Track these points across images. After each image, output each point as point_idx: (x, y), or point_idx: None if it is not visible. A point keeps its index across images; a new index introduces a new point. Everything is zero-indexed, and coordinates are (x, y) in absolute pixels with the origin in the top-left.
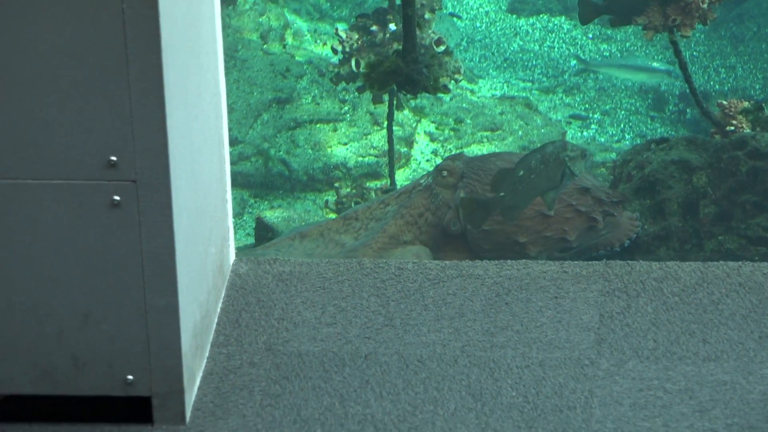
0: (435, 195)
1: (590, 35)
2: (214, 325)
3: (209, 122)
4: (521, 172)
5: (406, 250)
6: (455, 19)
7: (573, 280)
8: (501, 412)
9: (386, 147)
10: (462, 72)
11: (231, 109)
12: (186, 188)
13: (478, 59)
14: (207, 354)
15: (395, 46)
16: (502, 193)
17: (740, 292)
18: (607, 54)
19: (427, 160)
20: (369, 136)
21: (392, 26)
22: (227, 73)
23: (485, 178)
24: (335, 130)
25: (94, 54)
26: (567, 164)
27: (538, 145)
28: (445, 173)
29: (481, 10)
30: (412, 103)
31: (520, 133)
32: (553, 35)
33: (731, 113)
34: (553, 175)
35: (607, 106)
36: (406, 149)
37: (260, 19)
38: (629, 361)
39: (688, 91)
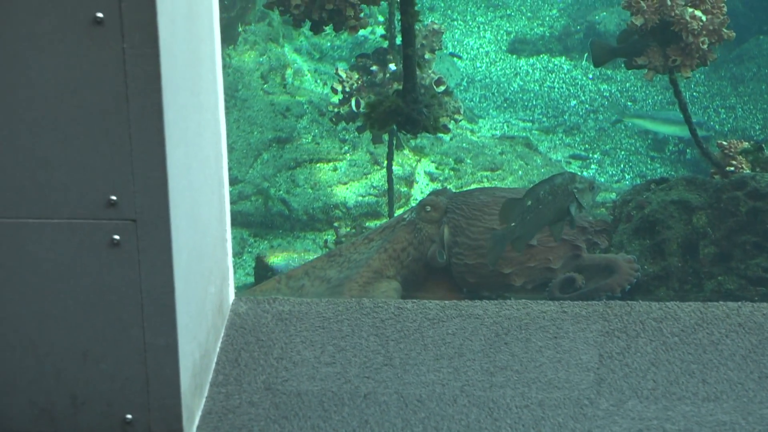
0: (418, 230)
1: (590, 76)
2: (213, 365)
3: (209, 161)
4: (529, 202)
5: (384, 284)
6: (455, 59)
7: (572, 320)
8: None
9: (386, 186)
10: (462, 112)
11: (231, 149)
12: (186, 227)
13: (478, 99)
14: (206, 393)
15: (395, 86)
16: (513, 224)
17: (740, 332)
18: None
19: None
20: (369, 176)
21: (392, 66)
22: (227, 113)
23: (469, 213)
24: (335, 169)
25: (95, 93)
26: (575, 196)
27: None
28: (428, 208)
29: (481, 50)
30: (413, 142)
31: (520, 173)
32: (553, 75)
33: (731, 153)
34: (561, 207)
35: (607, 146)
36: (406, 189)
37: (261, 59)
38: (629, 401)
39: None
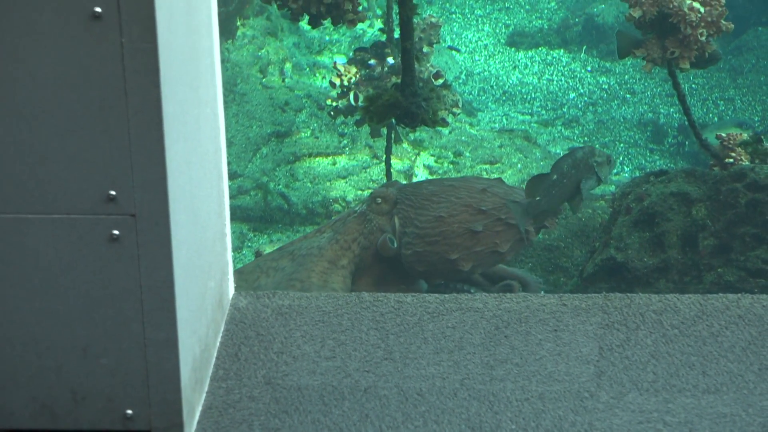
0: (369, 221)
1: (588, 68)
2: (214, 359)
3: (208, 156)
4: (555, 176)
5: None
6: (454, 52)
7: (572, 313)
8: None
9: (385, 180)
10: (460, 105)
11: (230, 143)
12: (185, 222)
13: (477, 92)
14: (206, 388)
15: (393, 79)
16: (538, 197)
17: (740, 324)
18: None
19: None
20: (368, 170)
21: (390, 60)
22: (226, 107)
23: (417, 203)
24: (334, 163)
25: (93, 88)
26: (595, 169)
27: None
28: (379, 200)
29: (479, 43)
30: (411, 136)
31: (519, 165)
32: (552, 68)
33: (730, 145)
34: (582, 179)
35: (606, 139)
36: (405, 182)
37: (259, 53)
38: (629, 394)
39: (686, 123)
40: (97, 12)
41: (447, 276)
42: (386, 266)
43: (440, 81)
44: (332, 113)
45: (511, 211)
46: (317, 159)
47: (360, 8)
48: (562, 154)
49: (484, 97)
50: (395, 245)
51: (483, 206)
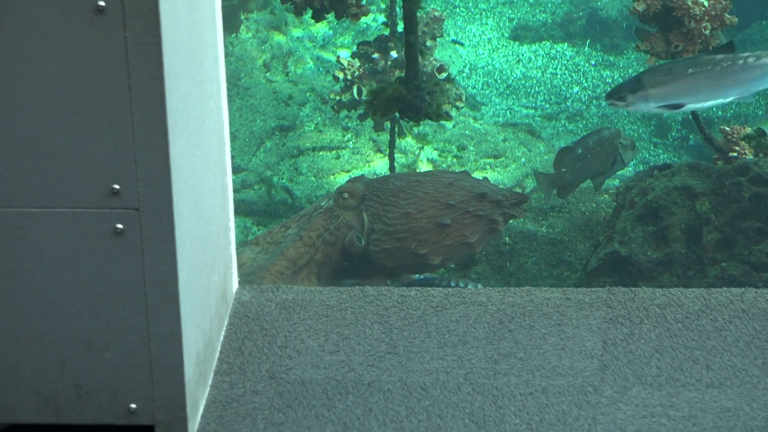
0: (335, 216)
1: (592, 62)
2: (218, 353)
3: (212, 150)
4: (580, 151)
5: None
6: (458, 46)
7: (576, 307)
8: None
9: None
10: (464, 99)
11: (234, 137)
12: (189, 216)
13: (480, 86)
14: (210, 382)
15: (397, 73)
16: (564, 169)
17: (744, 318)
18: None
19: None
20: (372, 164)
21: (394, 54)
22: (230, 101)
23: (385, 199)
24: (338, 157)
25: (97, 82)
26: (619, 151)
27: (541, 171)
28: (345, 195)
29: (483, 37)
30: (415, 130)
31: (523, 159)
32: (556, 62)
33: (734, 139)
34: (606, 159)
35: None
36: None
37: (263, 47)
38: (633, 388)
39: (690, 117)
40: (101, 6)
41: (417, 270)
42: (350, 262)
43: (444, 75)
44: (336, 107)
45: (537, 180)
46: (321, 153)
47: (363, 2)
48: None
49: (487, 91)
50: (363, 243)
51: (451, 200)
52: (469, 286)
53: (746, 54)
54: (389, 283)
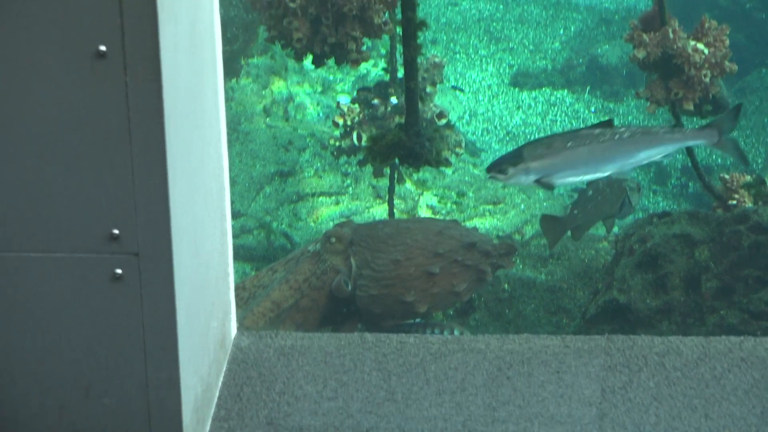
0: (323, 261)
1: (592, 109)
2: (216, 399)
3: (212, 195)
4: (590, 192)
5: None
6: (458, 92)
7: (575, 355)
8: None
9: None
10: (463, 145)
11: (233, 182)
12: (188, 261)
13: (480, 132)
14: (208, 428)
15: (397, 119)
16: (576, 211)
17: (742, 367)
18: None
19: None
20: (371, 209)
21: (394, 99)
22: (230, 146)
23: (373, 245)
24: (337, 203)
25: (97, 126)
26: (627, 193)
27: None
28: (333, 240)
29: (483, 83)
30: (415, 176)
31: (522, 206)
32: (556, 109)
33: (733, 187)
34: (615, 201)
35: None
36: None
37: (263, 92)
38: None
39: (690, 164)
40: (102, 50)
41: (403, 317)
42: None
43: (444, 121)
44: (335, 153)
45: (545, 224)
46: (320, 198)
47: (364, 48)
48: (566, 196)
49: (487, 138)
50: (350, 287)
51: (439, 249)
52: (455, 332)
53: (621, 128)
54: (360, 328)
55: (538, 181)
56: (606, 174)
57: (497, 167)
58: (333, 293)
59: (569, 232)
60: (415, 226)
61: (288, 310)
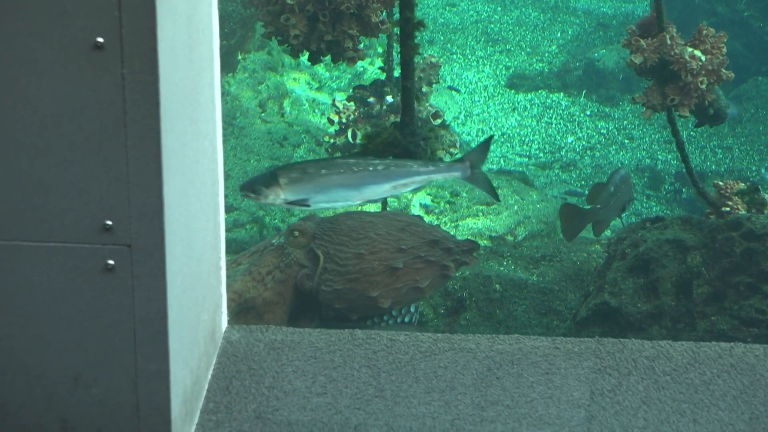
0: (286, 254)
1: (588, 112)
2: (205, 392)
3: (205, 188)
4: (612, 188)
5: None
6: (454, 92)
7: (565, 357)
8: None
9: None
10: (458, 145)
11: (227, 176)
12: (180, 254)
13: (475, 133)
14: (196, 420)
15: (392, 118)
16: (599, 205)
17: (732, 373)
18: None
19: None
20: (364, 207)
21: (389, 98)
22: (225, 140)
23: (336, 239)
24: None
25: (93, 118)
26: (632, 189)
27: (533, 220)
28: (296, 233)
29: (479, 84)
30: None
31: (515, 207)
32: (551, 111)
33: (727, 194)
34: (626, 197)
35: None
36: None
37: (259, 87)
38: None
39: (684, 170)
40: (100, 42)
41: (366, 313)
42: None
43: (439, 121)
44: (330, 150)
45: (566, 213)
46: None
47: (360, 46)
48: (558, 198)
49: (482, 138)
50: (314, 282)
51: (403, 245)
52: (411, 309)
53: (377, 161)
54: (315, 324)
55: (290, 203)
56: (357, 202)
57: (250, 187)
58: (298, 287)
59: (590, 226)
60: (379, 220)
61: (251, 301)
